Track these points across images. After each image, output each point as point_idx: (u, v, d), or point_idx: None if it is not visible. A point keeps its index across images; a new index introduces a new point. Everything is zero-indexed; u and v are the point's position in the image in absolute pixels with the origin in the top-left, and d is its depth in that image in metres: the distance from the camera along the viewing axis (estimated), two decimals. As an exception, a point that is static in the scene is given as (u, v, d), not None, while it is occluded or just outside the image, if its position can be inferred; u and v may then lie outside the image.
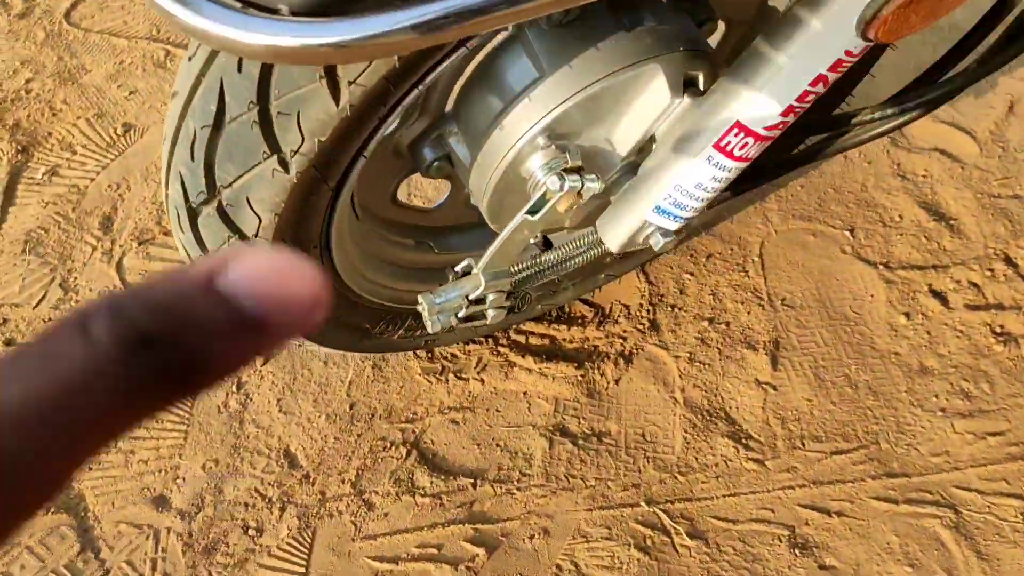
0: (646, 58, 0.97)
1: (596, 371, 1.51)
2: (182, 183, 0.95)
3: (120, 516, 1.34)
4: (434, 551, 1.31)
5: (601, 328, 1.57)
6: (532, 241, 1.08)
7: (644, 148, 1.07)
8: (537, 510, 1.36)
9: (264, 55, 0.63)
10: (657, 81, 0.99)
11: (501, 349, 1.53)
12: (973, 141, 1.82)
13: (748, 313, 1.58)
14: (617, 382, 1.50)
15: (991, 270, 1.62)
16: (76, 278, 1.62)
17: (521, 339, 1.55)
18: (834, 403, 1.47)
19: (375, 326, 1.30)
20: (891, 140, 1.83)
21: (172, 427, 1.43)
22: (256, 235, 0.95)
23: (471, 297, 1.12)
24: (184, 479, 1.37)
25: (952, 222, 1.69)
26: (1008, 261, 1.63)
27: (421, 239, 1.36)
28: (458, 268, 1.13)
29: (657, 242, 1.09)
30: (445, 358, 1.52)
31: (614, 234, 1.11)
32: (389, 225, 1.32)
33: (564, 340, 1.55)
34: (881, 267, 1.63)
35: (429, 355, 1.52)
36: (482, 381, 1.49)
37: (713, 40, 1.20)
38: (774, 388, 1.49)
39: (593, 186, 1.01)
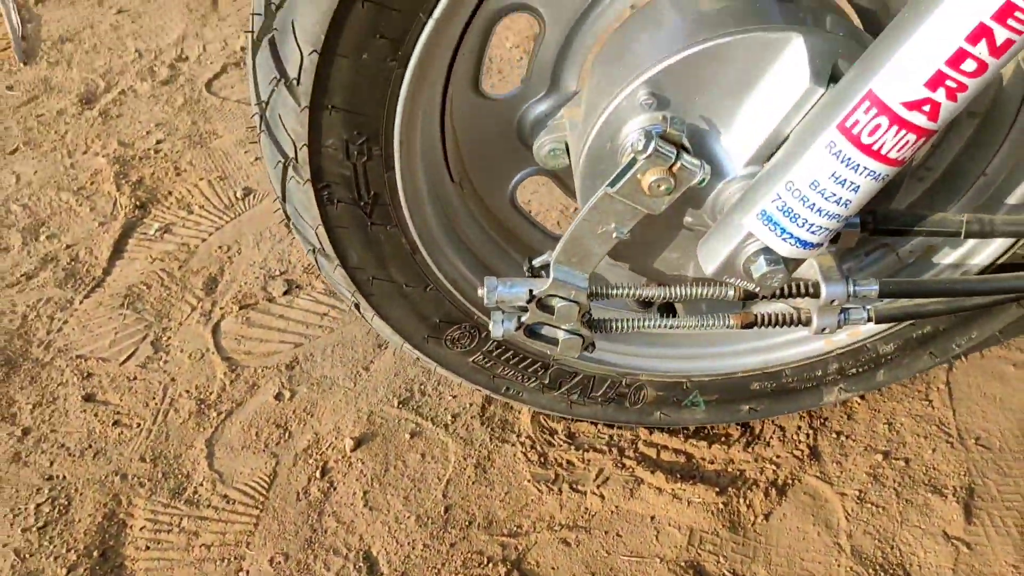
0: (789, 27, 0.82)
1: (741, 500, 1.25)
2: (252, 13, 0.88)
3: (168, 608, 1.14)
4: None
5: (749, 450, 1.31)
6: (617, 237, 0.89)
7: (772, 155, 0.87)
8: (661, 666, 1.09)
9: None
10: (796, 59, 0.82)
11: (627, 461, 1.29)
12: None
13: (933, 450, 1.30)
14: (767, 517, 1.23)
15: None
16: (170, 337, 1.50)
17: (651, 452, 1.31)
18: (1050, 575, 1.16)
19: (444, 327, 1.13)
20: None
21: (243, 510, 1.24)
22: (298, 78, 0.84)
23: (536, 293, 0.93)
24: (248, 572, 1.17)
25: None
26: None
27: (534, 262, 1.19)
28: (536, 261, 0.99)
29: (759, 268, 0.86)
30: (560, 464, 1.29)
31: (710, 250, 0.90)
32: (499, 226, 1.18)
33: (703, 459, 1.30)
34: (1104, 410, 1.33)
35: (542, 459, 1.30)
36: (602, 497, 1.25)
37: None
38: (968, 546, 1.19)
39: (693, 170, 0.82)
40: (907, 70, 0.71)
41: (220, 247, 1.68)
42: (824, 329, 0.97)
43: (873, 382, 1.26)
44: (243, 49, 2.21)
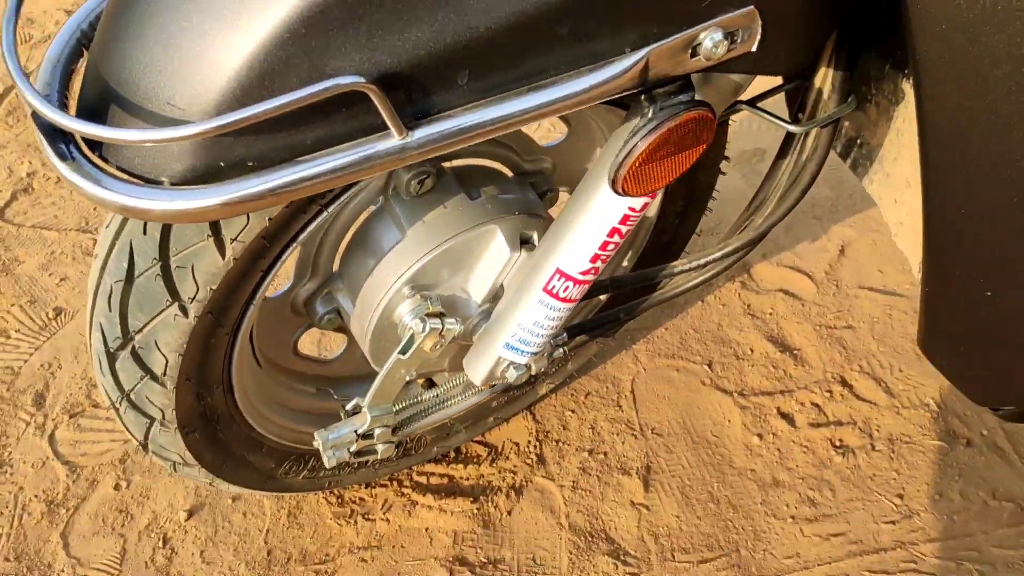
0: (486, 221, 1.23)
1: (490, 504, 1.69)
2: (102, 332, 1.12)
3: (51, 672, 1.44)
4: None
5: (494, 465, 1.76)
6: (409, 379, 1.29)
7: (496, 296, 1.30)
8: (440, 635, 1.50)
9: (155, 216, 0.80)
10: (497, 239, 1.25)
11: (404, 490, 1.71)
12: (811, 281, 2.12)
13: (623, 443, 1.80)
14: (510, 513, 1.68)
15: (829, 392, 1.88)
16: (11, 452, 1.76)
17: (422, 479, 1.73)
18: (699, 518, 1.67)
19: (280, 466, 1.47)
20: (742, 284, 2.12)
21: (101, 584, 1.55)
22: (164, 374, 1.13)
23: (359, 432, 1.31)
24: (112, 632, 1.49)
25: (796, 352, 1.96)
26: (844, 383, 1.89)
27: (322, 387, 1.55)
28: (348, 407, 1.33)
29: (512, 375, 1.31)
30: (354, 502, 1.69)
31: (475, 369, 1.33)
32: (292, 374, 1.52)
33: (461, 478, 1.74)
34: (736, 395, 1.88)
35: (339, 500, 1.69)
36: (388, 520, 1.66)
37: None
38: (647, 508, 1.69)
39: (454, 328, 1.24)
40: (578, 256, 1.14)
41: (42, 365, 1.94)
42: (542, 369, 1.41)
43: (565, 372, 1.79)
44: (32, 177, 2.43)
